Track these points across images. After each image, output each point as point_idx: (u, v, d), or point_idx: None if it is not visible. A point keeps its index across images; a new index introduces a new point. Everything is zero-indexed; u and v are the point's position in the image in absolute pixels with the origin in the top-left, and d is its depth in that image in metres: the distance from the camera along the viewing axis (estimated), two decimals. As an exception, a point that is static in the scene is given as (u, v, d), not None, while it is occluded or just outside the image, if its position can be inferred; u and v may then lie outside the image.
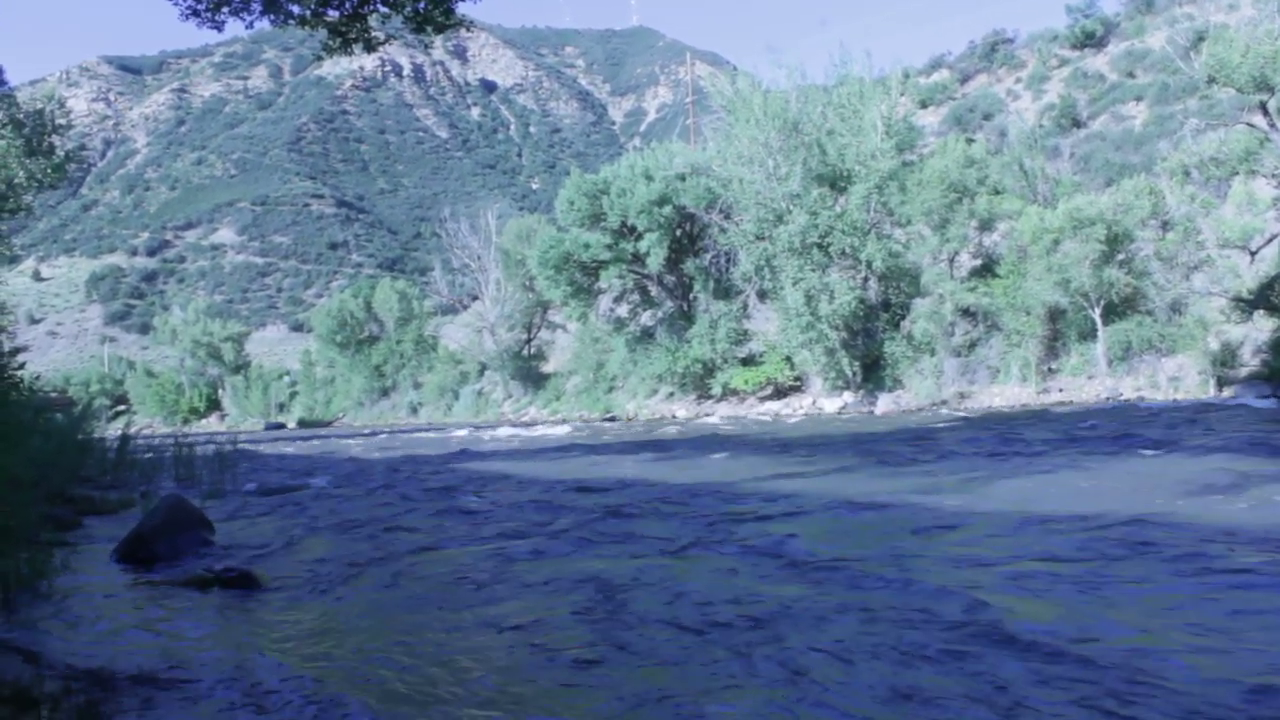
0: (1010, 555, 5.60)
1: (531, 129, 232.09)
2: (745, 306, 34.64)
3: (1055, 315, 27.56)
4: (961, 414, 24.12)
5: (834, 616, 4.34)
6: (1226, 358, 23.84)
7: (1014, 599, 4.52)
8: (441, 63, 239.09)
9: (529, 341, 49.20)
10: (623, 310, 38.81)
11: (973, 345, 29.25)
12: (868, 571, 5.27)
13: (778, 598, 4.74)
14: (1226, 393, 23.01)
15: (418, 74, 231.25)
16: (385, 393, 57.03)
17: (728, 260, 35.22)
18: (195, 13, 8.64)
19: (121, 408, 76.52)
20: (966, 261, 31.08)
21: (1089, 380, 26.51)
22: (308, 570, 6.07)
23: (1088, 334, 27.01)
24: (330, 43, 9.38)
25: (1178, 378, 24.55)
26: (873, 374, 30.40)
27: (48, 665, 3.83)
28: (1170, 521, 6.36)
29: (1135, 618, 4.17)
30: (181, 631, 4.57)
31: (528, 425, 35.39)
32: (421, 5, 9.13)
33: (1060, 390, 26.64)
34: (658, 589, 5.08)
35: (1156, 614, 4.24)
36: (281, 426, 58.18)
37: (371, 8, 9.34)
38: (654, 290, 37.81)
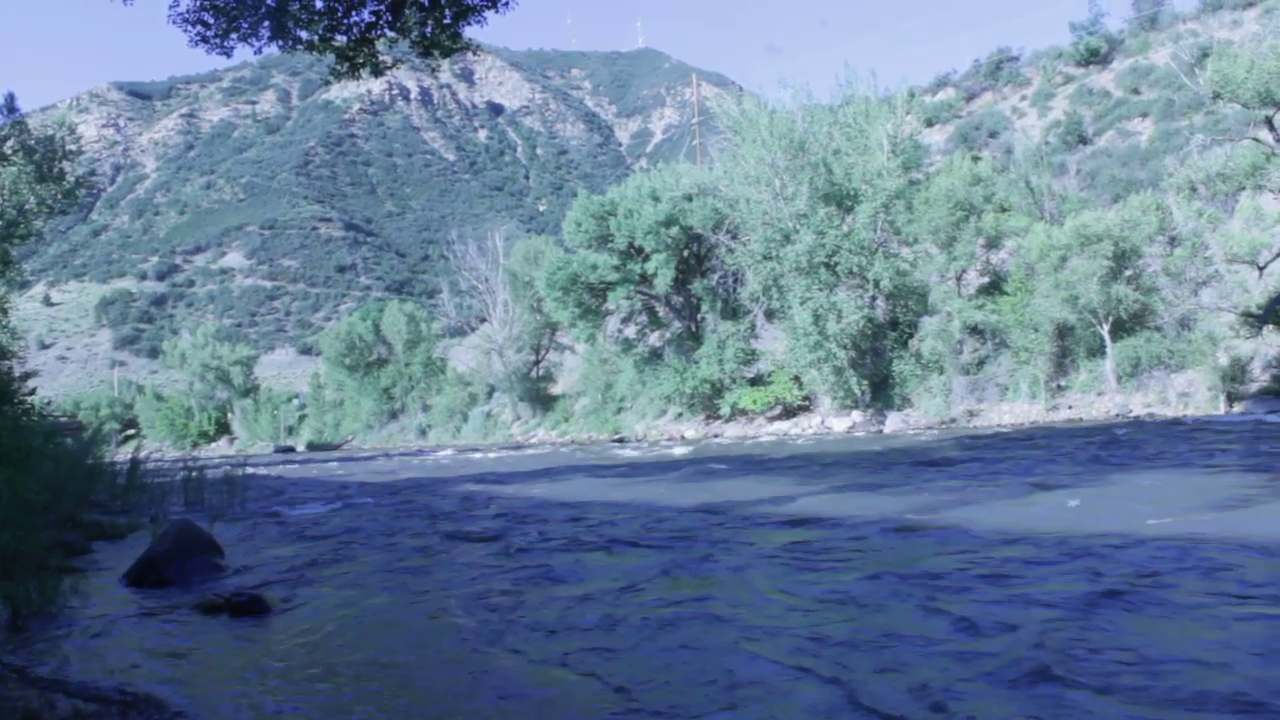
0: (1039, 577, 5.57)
1: (538, 151, 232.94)
2: (753, 326, 34.60)
3: (1063, 332, 27.51)
4: (971, 432, 24.05)
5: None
6: (1236, 373, 23.76)
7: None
8: (448, 86, 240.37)
9: (537, 363, 49.19)
10: (630, 331, 38.80)
11: (981, 363, 29.20)
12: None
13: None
14: (1237, 408, 22.93)
15: (425, 97, 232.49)
16: (394, 415, 57.06)
17: (735, 280, 35.26)
18: (204, 39, 8.69)
19: (131, 432, 76.60)
20: (974, 279, 31.05)
21: (1098, 397, 26.43)
22: (315, 593, 6.06)
23: (1096, 350, 26.94)
24: (338, 67, 9.42)
25: (1187, 393, 24.47)
26: (881, 393, 30.33)
27: (57, 690, 3.82)
28: (1195, 539, 6.32)
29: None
30: (191, 656, 4.57)
31: (537, 445, 35.40)
32: (428, 30, 9.16)
33: (1070, 407, 26.56)
34: (653, 601, 5.07)
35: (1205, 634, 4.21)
36: (291, 449, 58.18)
37: (379, 33, 9.38)
38: (662, 311, 37.82)
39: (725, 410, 33.62)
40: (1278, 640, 4.02)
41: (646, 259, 34.62)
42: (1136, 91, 65.75)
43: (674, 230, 34.03)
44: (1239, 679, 3.49)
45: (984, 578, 5.49)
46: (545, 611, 5.21)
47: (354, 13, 9.24)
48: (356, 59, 9.35)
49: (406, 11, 8.97)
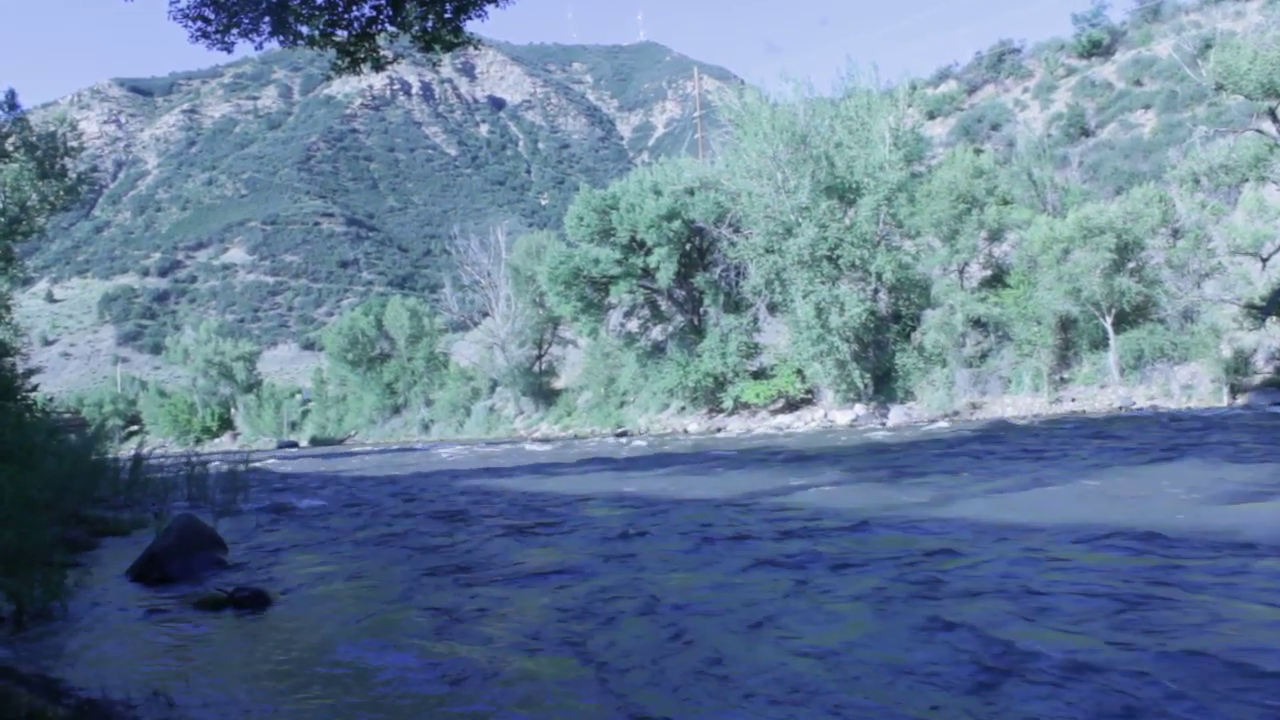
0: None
1: (540, 145, 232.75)
2: (755, 320, 34.53)
3: (1066, 324, 27.46)
4: (975, 425, 24.03)
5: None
6: (1240, 365, 23.72)
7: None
8: (450, 80, 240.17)
9: (540, 357, 49.17)
10: (633, 325, 38.73)
11: (984, 356, 29.16)
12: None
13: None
14: (1240, 400, 22.90)
15: (426, 92, 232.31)
16: (397, 410, 57.06)
17: (737, 274, 35.17)
18: (205, 34, 8.70)
19: (134, 428, 76.77)
20: (976, 272, 30.99)
21: (1102, 389, 26.39)
22: (319, 588, 6.07)
23: (1099, 343, 26.91)
24: (339, 62, 9.42)
25: (1191, 386, 24.43)
26: (884, 386, 30.31)
27: (61, 688, 3.83)
28: (1195, 532, 6.32)
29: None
30: (194, 652, 4.57)
31: (541, 439, 35.43)
32: (429, 24, 9.16)
33: (1073, 400, 26.52)
34: (652, 602, 5.07)
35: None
36: (294, 445, 58.20)
37: (379, 27, 9.38)
38: (664, 305, 37.76)
39: (728, 404, 33.59)
40: None
41: (649, 253, 34.56)
42: (1139, 83, 65.58)
43: (676, 224, 33.96)
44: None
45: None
46: (545, 607, 5.21)
47: (354, 8, 9.24)
48: (357, 54, 9.36)
49: (407, 6, 8.97)
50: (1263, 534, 6.09)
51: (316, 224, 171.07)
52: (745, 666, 3.88)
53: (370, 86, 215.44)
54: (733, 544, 7.03)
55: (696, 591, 5.45)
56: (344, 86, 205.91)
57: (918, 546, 6.51)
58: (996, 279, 30.18)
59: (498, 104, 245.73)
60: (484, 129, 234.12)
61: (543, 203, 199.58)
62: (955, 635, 4.10)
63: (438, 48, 9.35)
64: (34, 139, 23.37)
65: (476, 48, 10.22)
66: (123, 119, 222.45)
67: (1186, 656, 3.68)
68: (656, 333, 38.24)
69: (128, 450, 17.88)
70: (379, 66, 9.60)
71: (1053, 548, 6.11)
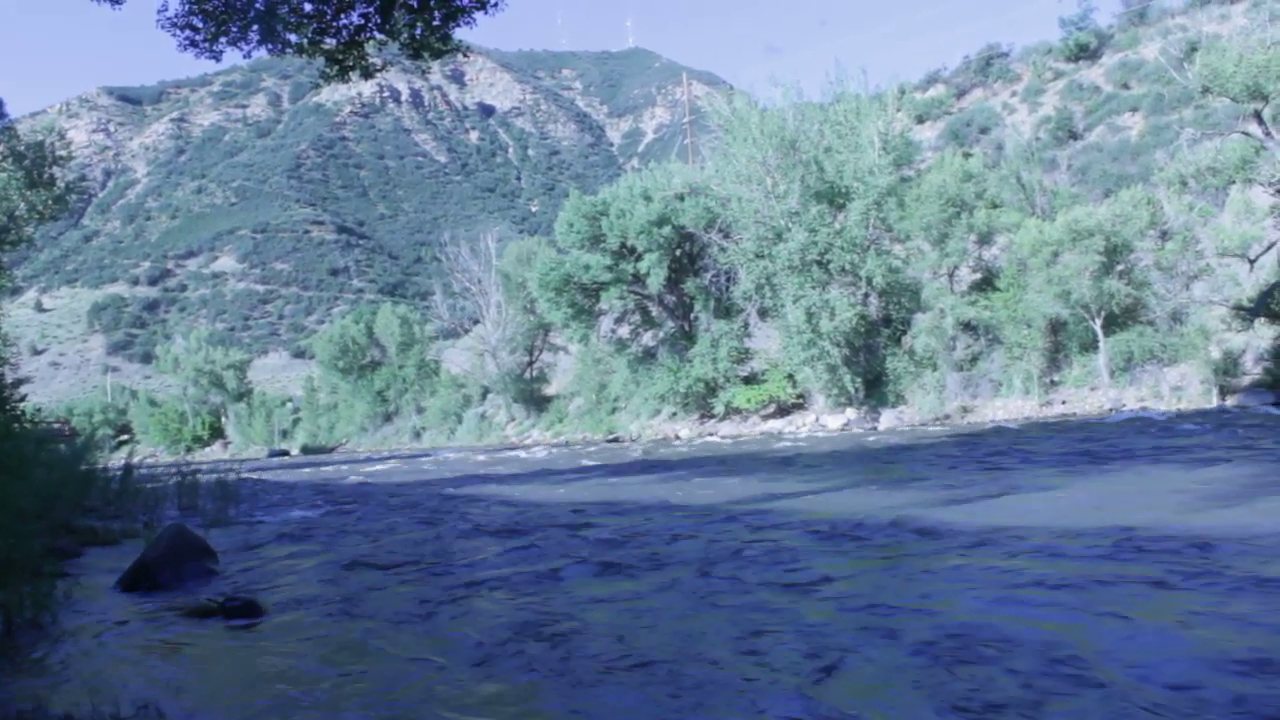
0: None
1: (530, 152, 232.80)
2: (746, 325, 34.59)
3: (1056, 327, 27.56)
4: (965, 429, 24.08)
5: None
6: (1229, 366, 23.83)
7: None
8: (439, 87, 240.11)
9: (531, 364, 49.13)
10: (624, 331, 38.73)
11: (974, 359, 29.23)
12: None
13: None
14: (1229, 401, 22.99)
15: (416, 99, 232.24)
16: (388, 418, 56.95)
17: (728, 279, 35.21)
18: (193, 43, 8.69)
19: (125, 437, 76.38)
20: (966, 275, 31.09)
21: (1092, 391, 26.48)
22: (310, 597, 6.05)
23: (1089, 345, 27.00)
24: (328, 70, 9.43)
25: (1180, 387, 24.52)
26: (875, 390, 30.35)
27: (49, 701, 3.81)
28: (1179, 532, 6.35)
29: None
30: (185, 662, 4.56)
31: (531, 446, 35.42)
32: (418, 32, 9.17)
33: (1063, 402, 26.60)
34: (648, 613, 5.07)
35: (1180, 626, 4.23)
36: (285, 453, 58.03)
37: (368, 35, 9.38)
38: (655, 310, 37.79)
39: (719, 409, 33.60)
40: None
41: (639, 259, 34.57)
42: (1126, 86, 65.91)
43: (666, 230, 33.98)
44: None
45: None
46: (538, 615, 5.21)
47: (343, 15, 9.25)
48: (346, 62, 9.36)
49: (395, 14, 8.98)
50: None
51: (306, 232, 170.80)
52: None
53: (359, 94, 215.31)
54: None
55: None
56: (333, 94, 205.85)
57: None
58: (986, 282, 30.27)
59: (487, 111, 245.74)
60: (474, 136, 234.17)
61: (533, 209, 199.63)
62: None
63: (427, 55, 9.36)
64: (22, 148, 23.32)
65: (465, 55, 10.22)
66: (111, 128, 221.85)
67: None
68: (647, 338, 38.26)
69: (118, 460, 17.81)
70: (368, 74, 9.60)
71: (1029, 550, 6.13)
